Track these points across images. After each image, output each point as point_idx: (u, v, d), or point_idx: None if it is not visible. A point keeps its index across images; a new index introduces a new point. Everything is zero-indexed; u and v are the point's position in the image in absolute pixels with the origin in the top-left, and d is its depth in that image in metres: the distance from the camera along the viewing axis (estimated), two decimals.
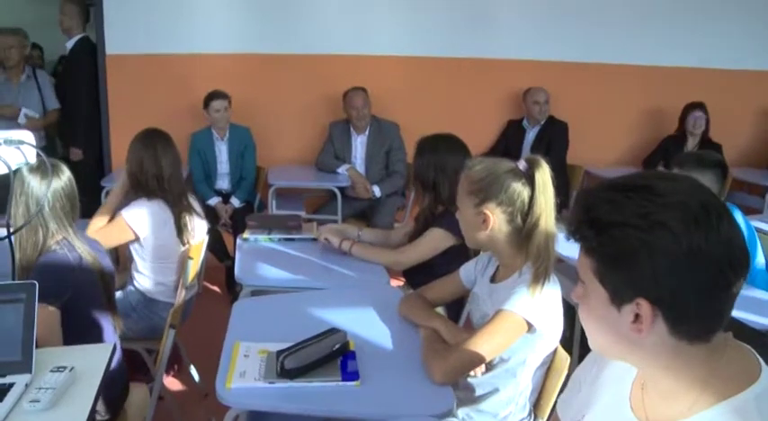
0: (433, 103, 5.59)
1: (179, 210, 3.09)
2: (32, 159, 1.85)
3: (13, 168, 1.72)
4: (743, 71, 6.06)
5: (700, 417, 1.08)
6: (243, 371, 1.83)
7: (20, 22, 5.79)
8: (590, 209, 1.11)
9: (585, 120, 5.74)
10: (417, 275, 2.99)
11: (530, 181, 2.02)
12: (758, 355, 1.15)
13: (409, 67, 5.55)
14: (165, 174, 3.07)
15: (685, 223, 1.03)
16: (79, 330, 2.17)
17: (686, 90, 5.78)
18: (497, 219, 2.06)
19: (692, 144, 5.67)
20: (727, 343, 1.12)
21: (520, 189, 2.03)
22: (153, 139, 3.12)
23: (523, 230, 2.03)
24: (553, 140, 5.51)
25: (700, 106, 5.62)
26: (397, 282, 3.14)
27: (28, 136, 1.80)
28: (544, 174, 2.01)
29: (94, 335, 2.27)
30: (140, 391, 2.54)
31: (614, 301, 1.10)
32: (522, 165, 2.06)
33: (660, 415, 1.15)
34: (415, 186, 3.12)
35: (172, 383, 3.53)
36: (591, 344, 1.21)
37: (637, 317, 1.08)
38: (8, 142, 1.70)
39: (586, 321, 1.18)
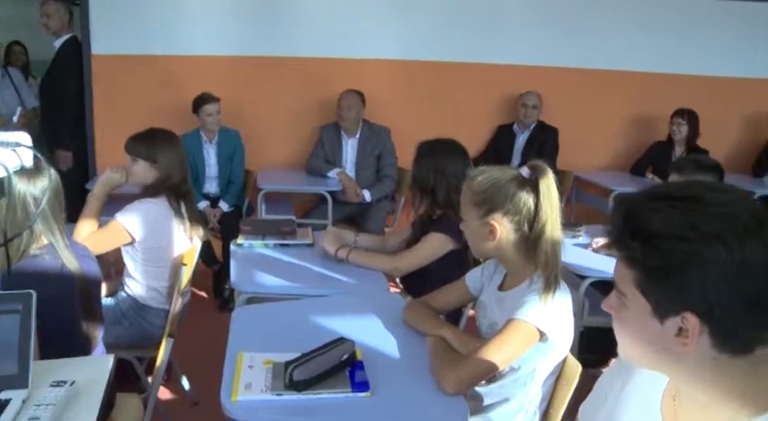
0: (425, 107, 5.57)
1: (185, 210, 3.03)
2: (28, 162, 1.77)
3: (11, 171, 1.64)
4: (729, 78, 6.11)
5: None
6: (248, 383, 1.77)
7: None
8: (633, 218, 1.07)
9: (576, 125, 5.77)
10: (415, 281, 2.95)
11: (534, 188, 1.99)
12: None
13: (402, 71, 5.53)
14: (176, 173, 3.01)
15: (738, 234, 1.00)
16: (55, 340, 2.08)
17: (675, 97, 5.81)
18: (504, 229, 2.02)
19: (679, 150, 5.71)
20: (766, 355, 1.09)
21: (525, 197, 2.00)
22: (163, 138, 3.05)
23: (530, 238, 2.00)
24: (543, 145, 5.53)
25: (681, 113, 5.67)
26: (393, 289, 3.09)
27: (24, 137, 1.72)
28: (548, 181, 1.99)
29: (73, 346, 2.18)
30: (131, 402, 2.44)
31: (657, 314, 1.06)
32: (525, 172, 2.03)
33: None
34: (413, 190, 3.08)
35: (160, 392, 3.45)
36: (623, 354, 1.18)
37: (681, 330, 1.04)
38: (4, 144, 1.63)
39: (621, 332, 1.15)
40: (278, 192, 5.05)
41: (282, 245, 3.16)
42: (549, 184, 1.99)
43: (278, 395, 1.72)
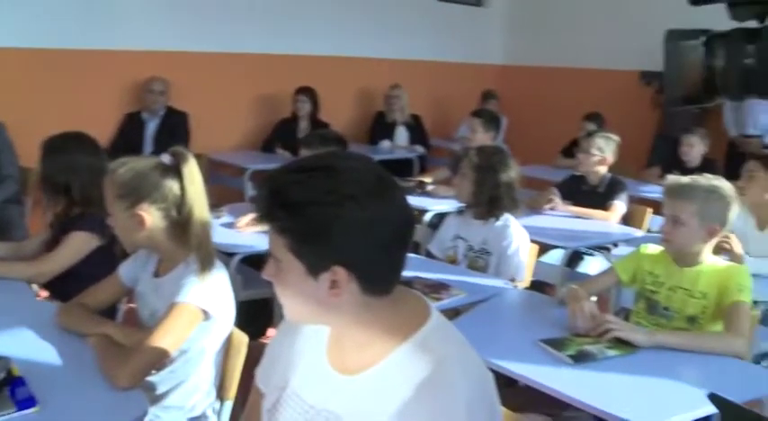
0: (44, 99, 5.16)
1: None
2: None
3: None
4: (344, 57, 6.71)
5: (391, 358, 1.26)
6: None
7: None
8: (279, 192, 1.20)
9: (205, 108, 5.84)
10: (64, 284, 2.77)
11: (177, 174, 2.05)
12: (425, 297, 1.37)
13: (13, 60, 5.03)
14: None
15: (368, 194, 1.18)
16: None
17: (296, 75, 6.21)
18: (153, 218, 2.05)
19: (303, 125, 6.13)
20: (402, 291, 1.31)
21: (170, 184, 2.05)
22: None
23: (180, 223, 2.06)
24: (174, 130, 5.53)
25: (302, 91, 6.11)
26: (41, 296, 2.89)
27: None
28: (190, 165, 2.07)
29: None
30: None
31: (311, 272, 1.21)
32: (166, 159, 2.08)
33: (357, 363, 1.29)
34: (45, 190, 2.89)
35: None
36: (288, 315, 1.32)
37: (333, 283, 1.20)
38: None
39: (284, 295, 1.28)
40: None
41: None
42: (191, 169, 2.06)
43: None
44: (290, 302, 1.28)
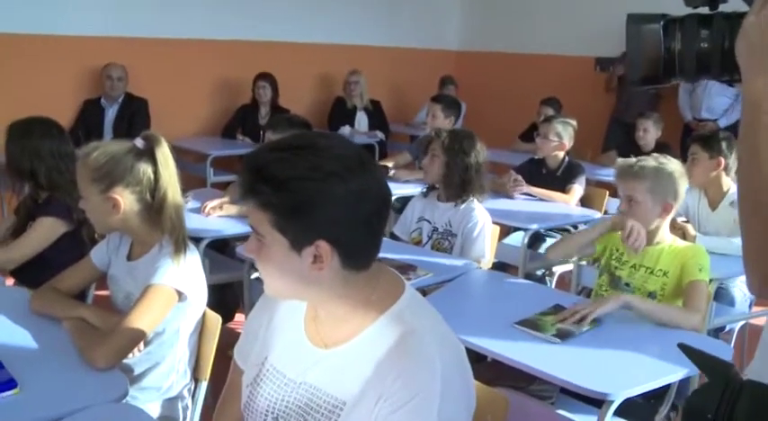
0: (7, 83, 5.08)
1: None
2: None
3: None
4: (303, 43, 6.70)
5: (368, 331, 1.30)
6: None
7: None
8: (263, 168, 1.23)
9: (165, 94, 5.81)
10: (32, 271, 2.77)
11: (151, 157, 2.06)
12: (399, 273, 1.41)
13: None
14: None
15: (350, 170, 1.22)
16: None
17: (256, 62, 6.19)
18: (127, 201, 2.06)
19: (264, 111, 6.12)
20: (378, 268, 1.35)
21: (144, 167, 2.06)
22: None
23: (154, 206, 2.07)
24: (134, 117, 5.50)
25: (262, 77, 6.09)
26: (10, 282, 2.87)
27: None
28: (164, 149, 2.08)
29: None
30: None
31: (295, 247, 1.24)
32: (140, 143, 2.09)
33: (335, 337, 1.34)
34: (10, 175, 2.88)
35: None
36: (269, 290, 1.35)
37: (316, 257, 1.24)
38: None
39: (265, 270, 1.31)
40: None
41: None
42: (164, 152, 2.08)
43: None
44: (271, 278, 1.31)
